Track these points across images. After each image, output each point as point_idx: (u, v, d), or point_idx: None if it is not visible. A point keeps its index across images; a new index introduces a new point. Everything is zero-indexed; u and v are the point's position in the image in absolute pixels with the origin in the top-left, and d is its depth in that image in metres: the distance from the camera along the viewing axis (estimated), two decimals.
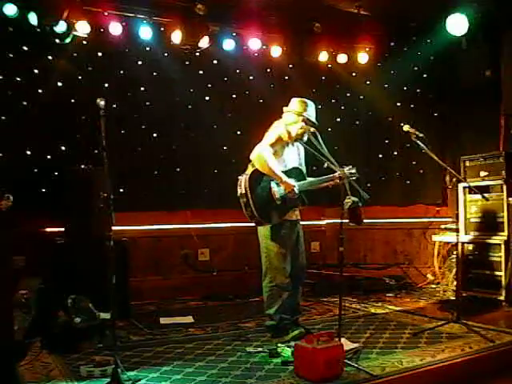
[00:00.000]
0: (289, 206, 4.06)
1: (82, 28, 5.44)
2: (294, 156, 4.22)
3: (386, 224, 7.01)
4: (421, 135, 4.17)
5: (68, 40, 5.50)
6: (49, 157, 5.58)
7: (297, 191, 4.01)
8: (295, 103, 4.18)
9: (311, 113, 4.17)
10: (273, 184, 4.00)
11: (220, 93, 6.55)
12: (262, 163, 3.95)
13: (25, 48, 5.41)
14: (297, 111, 4.12)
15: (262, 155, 3.95)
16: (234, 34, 6.29)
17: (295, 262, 4.18)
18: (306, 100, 4.19)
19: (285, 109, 4.21)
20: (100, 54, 5.89)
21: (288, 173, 4.07)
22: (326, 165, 3.89)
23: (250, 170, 4.06)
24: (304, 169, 4.29)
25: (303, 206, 4.18)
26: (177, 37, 5.87)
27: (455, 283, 5.37)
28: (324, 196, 6.27)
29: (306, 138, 4.13)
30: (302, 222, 4.31)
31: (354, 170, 3.99)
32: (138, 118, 6.12)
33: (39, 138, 5.42)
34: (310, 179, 4.20)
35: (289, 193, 3.99)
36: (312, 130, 3.98)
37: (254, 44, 6.36)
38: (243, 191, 3.92)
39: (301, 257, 4.26)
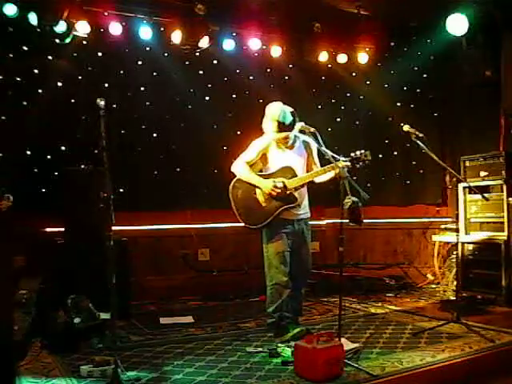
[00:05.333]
0: (278, 205, 4.02)
1: (82, 28, 5.44)
2: (285, 158, 4.13)
3: (385, 224, 7.01)
4: (421, 135, 4.17)
5: (68, 40, 5.50)
6: (49, 157, 5.59)
7: (279, 186, 3.99)
8: (267, 112, 4.08)
9: (286, 119, 3.97)
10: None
11: (220, 93, 6.55)
12: (238, 175, 4.16)
13: (25, 48, 5.41)
14: (271, 118, 4.03)
15: (234, 171, 4.19)
16: (234, 34, 6.29)
17: (299, 266, 4.17)
18: (275, 104, 4.07)
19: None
20: (100, 54, 5.90)
21: (274, 174, 4.08)
22: (327, 156, 3.90)
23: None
24: (299, 168, 4.15)
25: (294, 202, 4.06)
26: (177, 37, 5.87)
27: (455, 283, 5.36)
28: (324, 196, 6.30)
29: (291, 141, 4.13)
30: None
31: (365, 153, 3.95)
32: (138, 118, 6.13)
33: (39, 138, 5.42)
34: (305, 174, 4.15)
35: (270, 192, 3.99)
36: (312, 129, 3.95)
37: (254, 44, 6.36)
38: (231, 201, 4.11)
39: (305, 260, 4.24)
